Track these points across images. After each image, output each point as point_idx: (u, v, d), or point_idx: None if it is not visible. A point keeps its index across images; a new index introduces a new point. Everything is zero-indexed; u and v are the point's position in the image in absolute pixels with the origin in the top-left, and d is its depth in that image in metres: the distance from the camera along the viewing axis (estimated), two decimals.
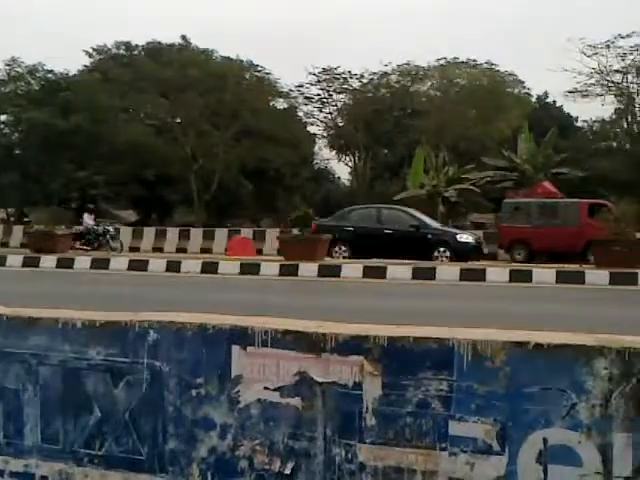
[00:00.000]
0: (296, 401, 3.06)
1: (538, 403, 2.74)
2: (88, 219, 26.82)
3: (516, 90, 57.36)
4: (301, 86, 54.52)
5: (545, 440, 2.73)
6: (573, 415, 2.70)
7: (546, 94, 57.45)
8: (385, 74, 54.12)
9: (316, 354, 3.00)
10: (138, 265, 19.68)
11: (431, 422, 2.86)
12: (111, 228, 27.37)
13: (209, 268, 18.99)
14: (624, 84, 48.51)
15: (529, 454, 2.75)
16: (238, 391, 3.15)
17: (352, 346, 2.96)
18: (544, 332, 2.85)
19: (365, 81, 54.29)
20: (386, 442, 2.93)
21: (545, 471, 2.72)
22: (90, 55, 53.71)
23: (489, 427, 2.79)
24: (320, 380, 3.00)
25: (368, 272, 17.90)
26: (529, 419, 2.75)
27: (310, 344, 3.02)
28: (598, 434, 2.69)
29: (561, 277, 16.87)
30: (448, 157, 41.92)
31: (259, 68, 53.42)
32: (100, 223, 27.47)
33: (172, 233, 30.74)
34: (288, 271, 18.28)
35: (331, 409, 3.00)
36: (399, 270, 17.92)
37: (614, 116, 51.69)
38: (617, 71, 47.86)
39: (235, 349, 3.15)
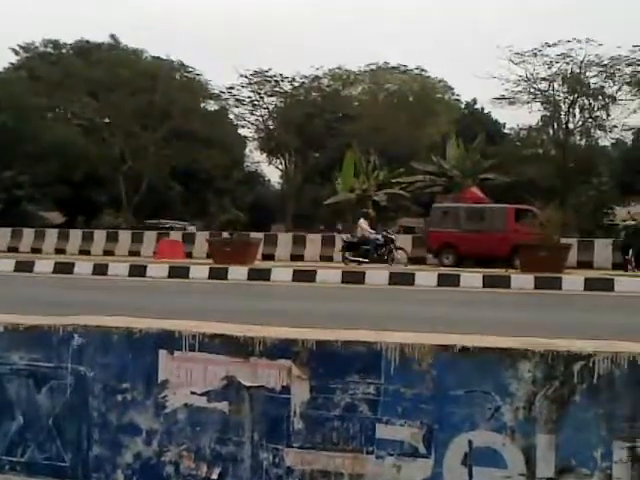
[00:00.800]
0: (223, 405, 3.03)
1: (464, 406, 2.77)
2: (365, 225, 24.32)
3: (446, 96, 58.25)
4: (232, 88, 54.34)
5: (470, 442, 2.77)
6: (497, 417, 2.74)
7: (475, 101, 58.38)
8: (316, 77, 54.31)
9: (244, 358, 2.99)
10: (64, 268, 19.33)
11: (358, 425, 2.87)
12: (394, 236, 24.83)
13: (137, 271, 18.76)
14: (550, 92, 49.53)
15: (455, 456, 2.78)
16: (165, 396, 3.11)
17: (280, 350, 2.95)
18: (470, 335, 2.89)
19: (296, 84, 54.38)
20: (313, 446, 2.93)
21: (470, 473, 2.75)
22: (17, 53, 52.66)
23: (415, 430, 2.81)
24: (248, 384, 2.98)
25: (298, 275, 17.92)
26: (455, 422, 2.78)
27: (238, 348, 3.00)
28: (522, 436, 2.73)
29: (488, 281, 17.13)
30: (378, 161, 42.23)
31: (189, 69, 53.09)
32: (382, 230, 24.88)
33: (99, 235, 30.22)
34: (217, 274, 18.16)
35: (259, 413, 2.99)
36: (329, 274, 17.98)
37: (540, 123, 52.70)
38: (544, 79, 48.85)
39: (162, 353, 3.12)
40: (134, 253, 27.87)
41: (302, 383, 2.91)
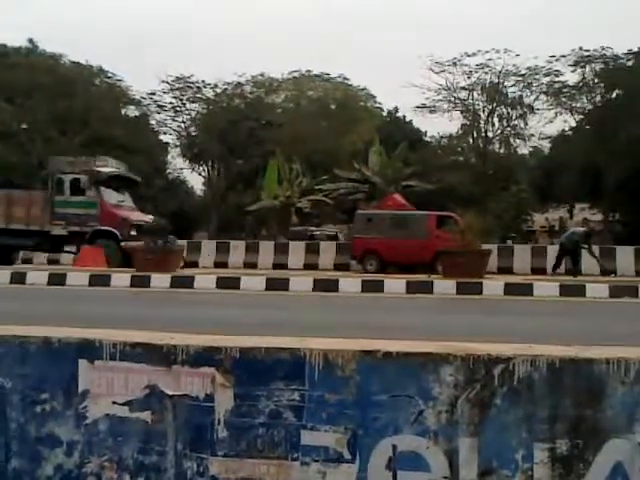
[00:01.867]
0: (146, 415, 2.99)
1: (387, 410, 2.78)
2: None
3: (368, 104, 58.76)
4: (153, 94, 53.81)
5: (394, 447, 2.78)
6: (421, 421, 2.77)
7: (396, 109, 59.10)
8: (239, 84, 54.20)
9: (166, 366, 2.95)
10: None
11: (283, 432, 2.86)
12: None
13: (56, 280, 18.37)
14: (470, 101, 50.53)
15: (379, 461, 2.79)
16: (85, 406, 3.05)
17: (203, 358, 2.92)
18: (393, 341, 2.91)
19: (219, 91, 54.16)
20: (238, 454, 2.90)
21: (394, 477, 2.77)
22: None
23: (340, 435, 2.81)
24: (170, 393, 2.95)
25: (221, 283, 17.81)
26: (379, 426, 2.79)
27: (160, 356, 2.96)
28: (445, 439, 2.76)
29: (411, 287, 17.32)
30: (302, 168, 42.37)
31: (110, 74, 52.35)
32: None
33: None
34: (139, 282, 17.92)
35: (182, 422, 2.95)
36: (253, 281, 17.93)
37: (461, 132, 53.66)
38: (463, 88, 49.82)
39: (82, 363, 3.05)
40: (54, 261, 27.31)
41: (226, 391, 2.89)
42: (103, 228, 24.43)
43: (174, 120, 55.69)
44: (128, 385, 3.01)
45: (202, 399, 2.92)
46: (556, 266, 22.28)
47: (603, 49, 45.14)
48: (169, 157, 59.75)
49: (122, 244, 23.62)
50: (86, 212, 24.82)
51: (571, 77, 47.34)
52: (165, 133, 57.05)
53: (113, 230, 24.36)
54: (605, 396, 2.70)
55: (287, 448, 2.86)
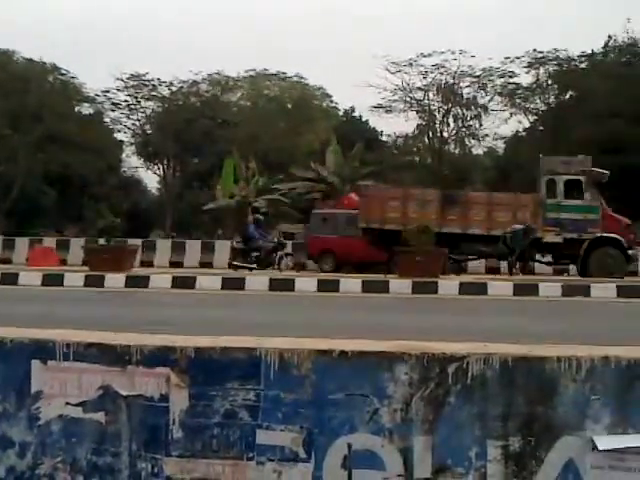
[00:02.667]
0: (99, 416, 2.96)
1: (343, 409, 2.79)
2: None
3: (324, 104, 58.83)
4: (108, 91, 53.34)
5: (350, 445, 2.79)
6: (376, 420, 2.78)
7: (353, 109, 59.21)
8: (195, 83, 53.97)
9: (121, 367, 2.92)
10: None
11: (238, 432, 2.86)
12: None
13: (8, 279, 18.09)
14: (425, 101, 50.88)
15: (334, 460, 2.80)
16: (38, 407, 3.01)
17: (158, 358, 2.90)
18: (348, 340, 2.92)
19: (175, 89, 53.86)
20: (193, 454, 2.89)
21: (350, 476, 2.78)
22: None
23: (295, 435, 2.82)
24: (125, 393, 2.92)
25: (177, 282, 17.70)
26: (334, 425, 2.80)
27: (114, 356, 2.93)
28: (399, 438, 2.78)
29: (366, 286, 17.36)
30: (258, 168, 42.27)
31: (63, 71, 51.75)
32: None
33: None
34: (93, 282, 17.72)
35: (136, 423, 2.93)
36: (208, 280, 17.86)
37: (416, 132, 53.97)
38: (419, 88, 50.18)
39: (35, 364, 3.02)
40: (5, 261, 26.91)
41: (181, 391, 2.87)
42: (606, 235, 22.30)
43: (129, 118, 55.33)
44: (82, 386, 2.98)
45: (157, 399, 2.90)
46: (510, 266, 22.42)
47: (557, 51, 45.82)
48: (124, 155, 59.32)
49: None
50: (584, 217, 22.64)
51: (525, 78, 48.00)
52: (120, 131, 56.70)
53: (617, 237, 22.26)
54: (557, 394, 2.74)
55: (242, 448, 2.85)
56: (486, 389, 2.75)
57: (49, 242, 28.62)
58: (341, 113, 60.09)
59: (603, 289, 16.83)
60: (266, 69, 55.17)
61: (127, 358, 2.93)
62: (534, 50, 46.25)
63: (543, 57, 46.32)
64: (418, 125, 53.02)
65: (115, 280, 17.79)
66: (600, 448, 2.67)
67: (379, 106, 51.24)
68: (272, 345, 2.86)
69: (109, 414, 2.95)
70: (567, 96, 47.21)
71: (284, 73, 55.52)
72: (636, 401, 2.72)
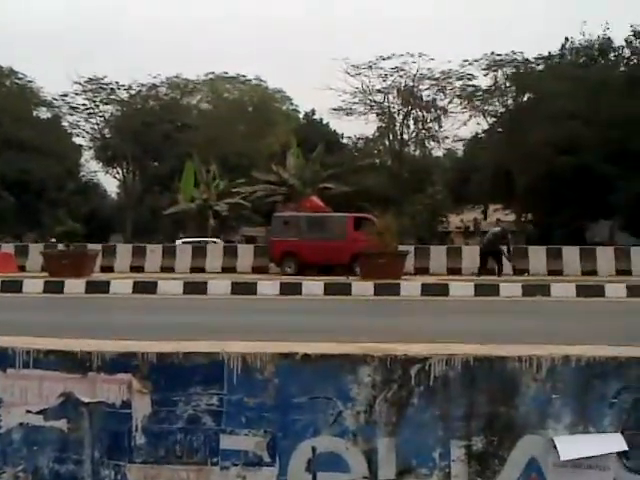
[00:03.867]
0: (61, 423, 2.93)
1: (306, 412, 2.79)
2: None
3: (284, 107, 58.81)
4: (66, 95, 52.78)
5: (314, 448, 2.80)
6: (340, 422, 2.79)
7: (313, 111, 59.23)
8: (154, 86, 53.65)
9: (82, 373, 2.90)
10: None
11: (202, 437, 2.84)
12: None
13: None
14: (385, 104, 51.08)
15: (299, 463, 2.80)
16: None
17: (120, 364, 2.88)
18: (311, 343, 2.92)
19: (133, 92, 53.48)
20: (157, 460, 2.87)
21: (314, 479, 2.78)
22: None
23: (260, 439, 2.81)
24: (86, 400, 2.90)
25: (138, 287, 17.57)
26: (298, 429, 2.80)
27: (75, 363, 2.90)
28: (364, 440, 2.79)
29: (329, 289, 17.39)
30: (219, 171, 42.17)
31: (20, 75, 51.14)
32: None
33: None
34: (53, 288, 17.52)
35: (99, 430, 2.91)
36: (170, 285, 17.76)
37: (377, 134, 54.14)
38: (379, 91, 50.35)
39: None
40: None
41: (143, 397, 2.85)
42: None
43: (87, 122, 54.82)
44: (42, 393, 2.94)
45: (119, 406, 2.88)
46: (481, 267, 22.57)
47: (514, 53, 46.26)
48: (82, 159, 58.68)
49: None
50: None
51: (484, 81, 48.39)
52: (78, 135, 56.09)
53: None
54: (518, 393, 2.77)
55: (206, 453, 2.84)
56: (449, 390, 2.77)
57: (7, 248, 28.19)
58: (301, 116, 60.13)
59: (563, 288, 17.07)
60: (225, 72, 55.08)
61: (88, 365, 2.90)
62: (492, 53, 46.70)
63: (501, 60, 46.75)
64: (378, 127, 53.26)
65: (75, 286, 17.61)
66: (562, 458, 2.70)
67: (339, 109, 51.41)
68: (234, 349, 2.85)
69: (71, 421, 2.92)
70: (525, 98, 47.68)
71: (244, 76, 55.45)
72: (595, 400, 2.75)
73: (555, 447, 2.72)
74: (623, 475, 2.73)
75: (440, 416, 2.77)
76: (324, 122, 57.77)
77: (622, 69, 41.59)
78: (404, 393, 2.77)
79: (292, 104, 59.78)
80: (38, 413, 2.95)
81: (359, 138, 56.51)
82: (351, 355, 2.80)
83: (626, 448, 2.71)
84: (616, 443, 2.72)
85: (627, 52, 42.75)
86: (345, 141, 58.47)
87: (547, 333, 8.22)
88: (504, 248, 22.58)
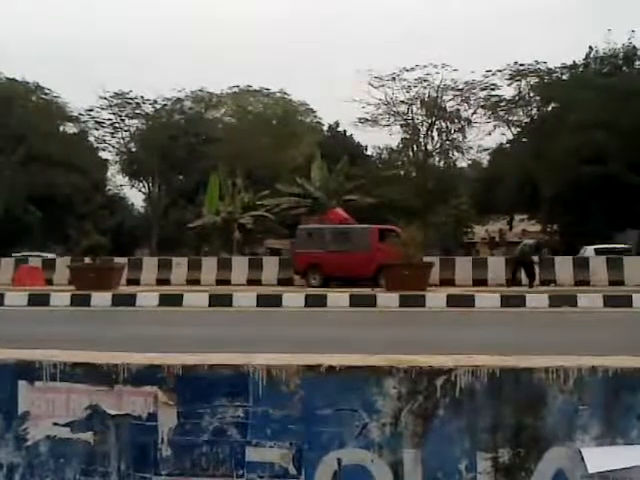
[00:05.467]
0: (88, 436, 2.94)
1: (332, 425, 2.78)
2: None
3: (308, 119, 58.95)
4: (91, 110, 53.26)
5: (339, 460, 2.78)
6: (365, 434, 2.77)
7: (337, 123, 59.36)
8: (179, 100, 54.00)
9: (108, 386, 2.91)
10: None
11: (228, 449, 2.84)
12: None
13: None
14: (409, 115, 51.04)
15: (324, 475, 2.79)
16: (26, 428, 2.99)
17: (145, 376, 2.88)
18: (336, 355, 2.91)
19: (158, 106, 53.87)
20: (183, 472, 2.87)
21: None
22: None
23: (285, 451, 2.80)
24: (113, 413, 2.91)
25: (164, 300, 17.65)
26: (323, 441, 2.79)
27: (101, 376, 2.92)
28: (389, 451, 2.77)
29: (354, 301, 17.38)
30: (243, 184, 42.28)
31: (46, 91, 51.67)
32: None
33: None
34: (80, 301, 17.65)
35: (125, 442, 2.91)
36: (196, 298, 17.83)
37: (401, 145, 54.13)
38: (403, 102, 50.31)
39: (21, 384, 2.99)
40: None
41: (169, 409, 2.86)
42: None
43: (113, 136, 55.24)
44: (69, 406, 2.96)
45: (145, 418, 2.88)
46: (513, 278, 22.50)
47: (537, 63, 46.07)
48: (109, 174, 59.16)
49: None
50: None
51: (507, 91, 48.24)
52: (104, 149, 56.54)
53: None
54: (545, 405, 2.74)
55: (232, 465, 2.84)
56: (474, 401, 2.75)
57: (35, 262, 28.43)
58: (325, 128, 60.24)
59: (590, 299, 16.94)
60: (249, 85, 55.32)
61: (114, 377, 2.91)
62: (515, 63, 46.56)
63: (524, 69, 46.58)
64: (402, 139, 53.23)
65: (101, 299, 17.73)
66: (590, 471, 2.67)
67: (363, 120, 51.40)
68: (259, 361, 2.85)
69: (97, 434, 2.93)
70: (549, 108, 47.49)
71: (267, 89, 55.68)
72: (623, 410, 2.72)
73: (582, 459, 2.69)
74: None
75: (466, 428, 2.75)
76: (348, 134, 57.88)
77: None
78: (430, 405, 2.76)
79: (316, 116, 59.92)
80: (65, 426, 2.96)
81: (383, 149, 56.57)
82: (376, 367, 2.79)
83: None
84: None
85: None
86: (369, 153, 58.59)
87: (574, 344, 8.15)
88: (536, 259, 22.52)
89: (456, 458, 2.75)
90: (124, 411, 2.90)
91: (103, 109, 53.33)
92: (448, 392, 2.75)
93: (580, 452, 2.71)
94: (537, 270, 22.53)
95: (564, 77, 45.82)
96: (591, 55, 44.64)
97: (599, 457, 2.69)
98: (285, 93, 55.96)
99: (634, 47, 42.28)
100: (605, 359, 2.83)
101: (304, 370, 2.81)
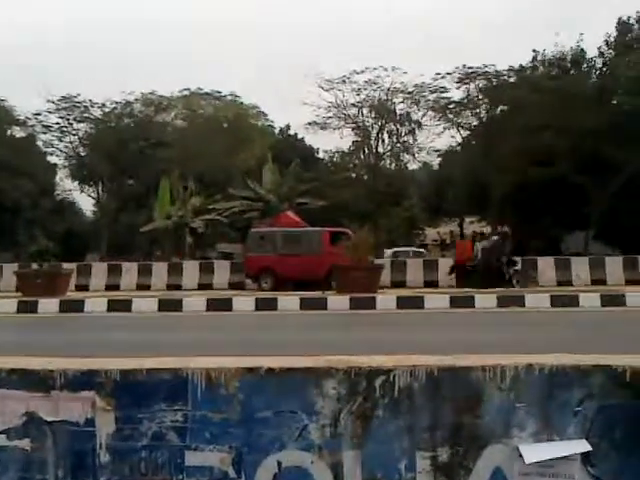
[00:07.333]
0: (24, 443, 2.90)
1: (271, 427, 2.78)
2: None
3: (259, 122, 58.81)
4: (39, 114, 52.48)
5: (279, 463, 2.78)
6: (305, 436, 2.77)
7: (288, 127, 59.34)
8: (128, 103, 53.44)
9: (44, 392, 2.87)
10: None
11: (167, 454, 2.82)
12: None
13: None
14: (360, 118, 51.20)
15: (264, 478, 2.79)
16: None
17: (82, 381, 2.85)
18: (275, 357, 2.91)
19: (107, 110, 53.27)
20: (121, 478, 2.85)
21: None
22: None
23: (225, 455, 2.79)
24: (50, 419, 2.87)
25: (113, 305, 17.47)
26: (263, 443, 2.78)
27: (38, 382, 2.88)
28: (329, 453, 2.77)
29: (305, 304, 17.37)
30: (194, 188, 42.04)
31: None
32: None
33: None
34: (26, 307, 17.37)
35: (63, 449, 2.88)
36: (145, 303, 17.67)
37: (352, 148, 54.28)
38: (353, 105, 50.44)
39: None
40: None
41: (107, 415, 2.83)
42: None
43: (61, 140, 54.41)
44: (5, 413, 2.91)
45: (82, 424, 2.85)
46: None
47: (485, 66, 46.50)
48: (57, 178, 58.28)
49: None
50: None
51: (457, 94, 48.61)
52: (52, 154, 55.67)
53: None
54: (483, 403, 2.77)
55: (171, 470, 2.82)
56: (413, 401, 2.76)
57: None
58: (277, 131, 60.19)
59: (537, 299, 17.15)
60: (200, 88, 54.97)
61: (51, 383, 2.87)
62: (464, 66, 46.92)
63: (473, 72, 46.97)
64: (353, 141, 53.38)
65: (49, 305, 17.48)
66: (527, 461, 2.70)
67: (314, 123, 51.43)
68: (198, 365, 2.84)
69: (34, 441, 2.89)
70: (498, 110, 47.97)
71: (219, 92, 55.37)
72: (559, 408, 2.76)
73: (520, 455, 2.72)
74: None
75: (405, 427, 2.77)
76: (299, 137, 57.91)
77: (594, 79, 41.95)
78: (369, 405, 2.77)
79: (267, 120, 59.84)
80: (1, 433, 2.91)
81: (335, 152, 56.71)
82: (315, 368, 2.79)
83: (590, 448, 2.72)
84: (580, 447, 2.73)
85: (599, 62, 43.15)
86: (321, 156, 58.65)
87: (518, 343, 8.26)
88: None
89: (395, 458, 2.77)
90: (61, 417, 2.86)
91: (51, 113, 52.56)
92: (387, 392, 2.76)
93: (518, 449, 2.74)
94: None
95: (512, 80, 46.30)
96: (538, 58, 45.18)
97: (536, 453, 2.72)
98: (236, 96, 55.76)
99: (582, 50, 42.91)
100: (542, 357, 2.87)
101: (243, 373, 2.80)
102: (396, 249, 33.11)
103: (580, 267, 24.65)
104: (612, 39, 42.51)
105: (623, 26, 42.57)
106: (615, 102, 38.66)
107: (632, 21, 42.49)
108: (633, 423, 2.77)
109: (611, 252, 35.48)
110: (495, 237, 24.55)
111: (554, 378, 2.77)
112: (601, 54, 42.95)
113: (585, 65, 43.58)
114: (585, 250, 39.16)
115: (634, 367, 2.79)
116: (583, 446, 2.73)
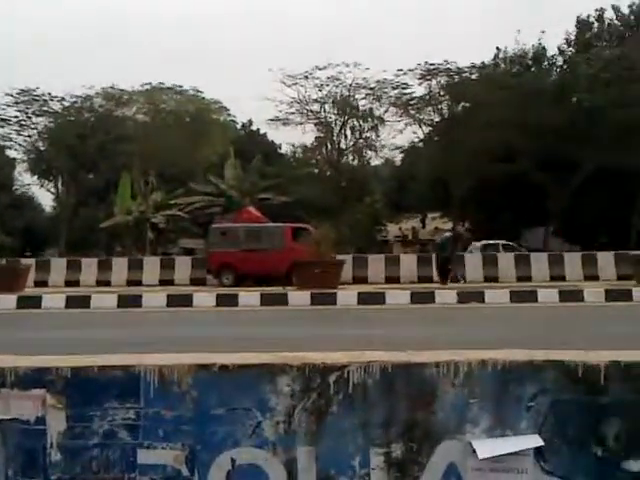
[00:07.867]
0: None
1: (225, 424, 2.76)
2: None
3: (222, 117, 58.56)
4: None
5: (233, 460, 2.76)
6: (259, 433, 2.76)
7: (250, 122, 59.20)
8: (88, 97, 52.87)
9: None
10: None
11: (119, 452, 2.79)
12: None
13: None
14: (322, 113, 51.22)
15: (218, 476, 2.77)
16: None
17: (33, 379, 2.81)
18: (229, 354, 2.89)
19: (67, 104, 52.65)
20: (73, 477, 2.81)
21: None
22: None
23: (178, 452, 2.77)
24: (0, 417, 2.82)
25: (72, 302, 17.29)
26: (217, 441, 2.76)
27: None
28: (283, 450, 2.76)
29: (265, 300, 17.35)
30: (156, 183, 41.80)
31: None
32: None
33: None
34: None
35: (13, 448, 2.83)
36: (104, 299, 17.52)
37: (315, 144, 54.27)
38: (315, 101, 50.44)
39: None
40: None
41: (58, 413, 2.79)
42: None
43: (19, 134, 53.68)
44: None
45: (33, 422, 2.81)
46: (445, 276, 22.57)
47: (447, 63, 46.75)
48: (16, 173, 57.56)
49: None
50: None
51: (419, 90, 48.81)
52: (11, 148, 54.92)
53: None
54: (436, 399, 2.77)
55: (123, 468, 2.79)
56: (367, 397, 2.76)
57: None
58: (239, 126, 60.00)
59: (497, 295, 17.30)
60: (162, 83, 54.55)
61: (1, 381, 2.83)
62: (426, 62, 47.12)
63: (435, 69, 47.21)
64: (316, 137, 53.39)
65: (6, 301, 17.24)
66: (480, 457, 2.71)
67: (276, 119, 51.34)
68: (151, 362, 2.81)
69: None
70: (459, 107, 48.27)
71: (180, 86, 54.96)
72: (512, 403, 2.78)
73: (474, 451, 2.74)
74: (540, 477, 2.76)
75: (359, 424, 2.77)
76: (262, 132, 57.79)
77: (554, 77, 42.37)
78: (323, 402, 2.76)
79: (229, 115, 59.61)
80: None
81: (297, 148, 56.67)
82: (269, 365, 2.78)
83: (542, 443, 2.74)
84: (532, 442, 2.75)
85: (560, 60, 43.62)
86: (283, 151, 58.59)
87: (477, 340, 8.30)
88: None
89: (350, 454, 2.77)
90: (11, 415, 2.82)
91: (9, 106, 51.84)
92: (341, 388, 2.76)
93: (471, 444, 2.75)
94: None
95: (473, 77, 46.60)
96: (500, 55, 45.54)
97: (489, 448, 2.74)
98: (198, 91, 55.39)
99: (543, 48, 43.33)
100: (495, 352, 2.88)
101: (196, 369, 2.78)
102: (485, 242, 32.78)
103: (539, 263, 24.92)
104: (572, 37, 43.00)
105: (583, 24, 43.07)
106: (575, 100, 39.08)
107: (592, 19, 43.01)
108: (585, 418, 2.79)
109: (569, 248, 35.90)
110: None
111: (507, 374, 2.79)
112: (561, 52, 43.43)
113: (546, 63, 44.05)
114: (545, 246, 39.59)
115: (587, 363, 2.82)
116: (535, 441, 2.75)
